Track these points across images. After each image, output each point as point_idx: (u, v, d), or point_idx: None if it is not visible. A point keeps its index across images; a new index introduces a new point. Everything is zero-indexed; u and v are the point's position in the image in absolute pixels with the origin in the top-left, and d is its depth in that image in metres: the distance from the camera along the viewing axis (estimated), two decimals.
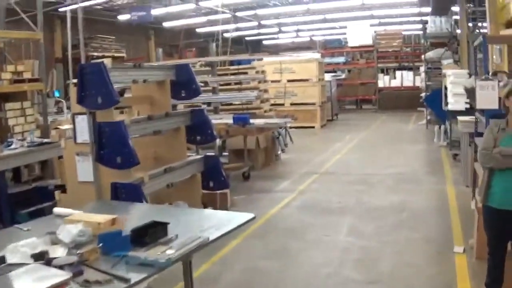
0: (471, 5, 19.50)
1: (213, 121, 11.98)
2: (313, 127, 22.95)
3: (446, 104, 14.59)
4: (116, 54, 27.79)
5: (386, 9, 34.70)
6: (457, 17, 22.24)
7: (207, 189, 9.30)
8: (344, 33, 34.59)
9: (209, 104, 14.55)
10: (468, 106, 13.14)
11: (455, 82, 13.26)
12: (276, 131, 14.47)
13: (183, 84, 9.11)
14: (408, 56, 36.47)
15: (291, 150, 16.15)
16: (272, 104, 21.61)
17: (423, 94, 23.36)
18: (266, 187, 11.76)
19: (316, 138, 20.60)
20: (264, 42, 49.31)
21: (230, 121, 11.88)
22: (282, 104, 23.09)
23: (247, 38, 46.83)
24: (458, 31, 21.60)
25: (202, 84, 14.83)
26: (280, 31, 42.51)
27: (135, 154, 7.33)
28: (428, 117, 21.53)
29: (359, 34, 32.24)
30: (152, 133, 8.22)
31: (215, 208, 9.74)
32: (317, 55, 25.52)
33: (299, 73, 23.25)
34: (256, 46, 47.21)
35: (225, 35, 39.50)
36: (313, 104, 23.08)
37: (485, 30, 23.18)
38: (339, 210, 9.60)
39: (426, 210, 9.34)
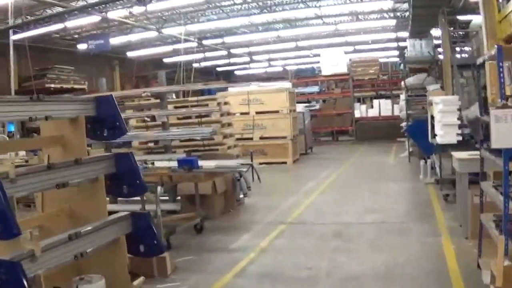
0: (451, 28, 17.95)
1: (156, 164, 9.97)
2: (285, 162, 20.90)
3: (434, 136, 12.70)
4: (75, 86, 25.96)
5: (361, 34, 33.18)
6: (438, 41, 20.65)
7: (136, 255, 7.16)
8: (318, 62, 32.70)
9: (156, 142, 12.48)
10: (460, 138, 11.26)
11: (445, 111, 11.31)
12: (237, 172, 12.31)
13: (105, 121, 7.02)
14: (385, 84, 34.77)
15: (257, 191, 14.10)
16: (240, 139, 19.82)
17: (403, 124, 21.63)
18: (221, 244, 9.45)
19: (287, 176, 18.51)
20: (236, 73, 47.68)
21: (176, 164, 9.65)
22: (251, 139, 21.09)
23: (218, 69, 45.18)
24: (441, 56, 19.97)
25: (148, 119, 12.84)
26: (251, 61, 40.88)
27: (15, 222, 5.23)
28: (410, 149, 19.66)
29: (333, 62, 30.40)
30: (55, 187, 6.09)
31: (151, 276, 7.66)
32: (287, 84, 23.48)
33: (268, 104, 21.22)
34: (227, 77, 45.50)
35: (195, 65, 37.95)
36: (284, 137, 21.04)
37: (465, 55, 21.84)
38: (308, 280, 7.33)
39: (419, 277, 7.10)
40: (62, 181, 6.10)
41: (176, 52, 29.87)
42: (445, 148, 11.47)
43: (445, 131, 11.30)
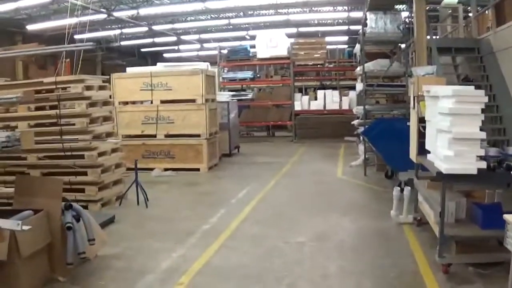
0: None
1: None
2: (197, 169, 15.41)
3: (423, 151, 7.52)
4: None
5: (306, 13, 27.99)
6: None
7: None
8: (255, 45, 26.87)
9: None
10: (483, 165, 6.04)
11: (459, 113, 5.97)
12: (68, 215, 6.69)
13: None
14: (331, 73, 29.84)
15: (131, 227, 9.06)
16: (139, 136, 15.57)
17: (356, 122, 16.62)
18: None
19: (191, 194, 12.56)
20: (165, 55, 42.02)
21: None
22: (154, 136, 15.61)
23: (142, 50, 39.48)
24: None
25: None
26: (179, 40, 35.32)
27: None
28: (366, 156, 14.52)
29: (272, 44, 24.91)
30: None
31: None
32: (203, 65, 17.64)
33: (178, 90, 15.58)
34: (154, 60, 39.56)
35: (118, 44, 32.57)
36: (198, 136, 15.47)
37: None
38: None
39: None
40: None
41: (87, 27, 23.98)
42: (451, 180, 6.30)
43: (458, 150, 5.98)
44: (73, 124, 10.43)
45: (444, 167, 6.07)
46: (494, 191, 7.44)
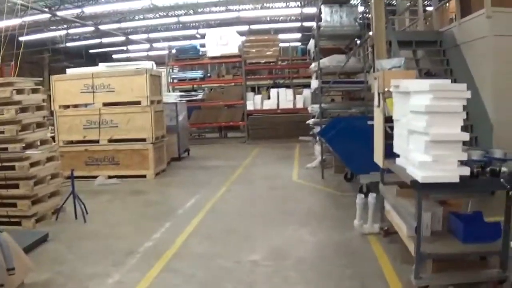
0: None
1: None
2: (144, 176, 14.36)
3: (390, 155, 6.63)
4: None
5: (257, 9, 27.19)
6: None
7: None
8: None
9: None
10: (466, 172, 5.14)
11: (438, 111, 5.08)
12: None
13: None
14: (284, 71, 29.08)
15: (68, 246, 8.10)
16: (80, 142, 14.52)
17: (311, 121, 15.83)
18: None
19: (136, 205, 11.38)
20: (114, 56, 40.62)
21: None
22: (97, 141, 14.51)
23: (91, 51, 38.09)
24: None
25: None
26: (128, 40, 34.14)
27: None
28: (323, 157, 13.71)
29: (222, 41, 23.97)
30: None
31: None
32: (148, 65, 16.45)
33: (121, 92, 14.48)
34: (104, 61, 38.13)
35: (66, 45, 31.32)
36: (143, 140, 14.42)
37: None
38: None
39: None
40: None
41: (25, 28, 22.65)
42: (427, 189, 5.37)
43: (436, 155, 5.08)
44: (2, 132, 9.38)
45: (421, 175, 5.14)
46: (469, 198, 6.62)
